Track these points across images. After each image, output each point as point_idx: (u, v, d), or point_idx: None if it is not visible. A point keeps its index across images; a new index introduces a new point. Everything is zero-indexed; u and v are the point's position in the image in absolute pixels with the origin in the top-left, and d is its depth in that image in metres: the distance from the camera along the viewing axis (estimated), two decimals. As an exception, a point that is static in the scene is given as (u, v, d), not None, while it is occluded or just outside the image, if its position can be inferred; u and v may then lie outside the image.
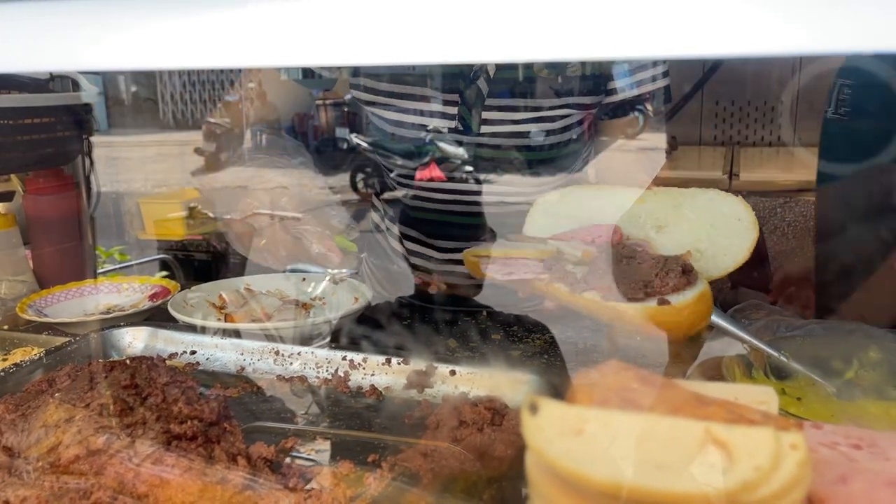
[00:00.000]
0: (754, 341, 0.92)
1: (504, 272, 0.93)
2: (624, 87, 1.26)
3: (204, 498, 0.63)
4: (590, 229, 0.96)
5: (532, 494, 0.47)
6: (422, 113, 1.25)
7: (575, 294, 0.86)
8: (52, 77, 1.55)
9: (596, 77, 1.23)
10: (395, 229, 1.38)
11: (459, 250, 1.32)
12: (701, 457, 0.41)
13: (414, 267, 1.38)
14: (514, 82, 1.22)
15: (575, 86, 1.23)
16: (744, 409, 0.48)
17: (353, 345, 1.07)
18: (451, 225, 1.31)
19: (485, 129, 1.23)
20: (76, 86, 1.61)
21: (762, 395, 0.54)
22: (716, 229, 0.90)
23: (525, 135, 1.24)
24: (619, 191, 1.01)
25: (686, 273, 0.82)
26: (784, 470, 0.40)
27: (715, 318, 0.96)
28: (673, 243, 0.91)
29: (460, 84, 1.22)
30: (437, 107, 1.24)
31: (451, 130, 1.24)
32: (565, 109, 1.24)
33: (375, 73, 1.26)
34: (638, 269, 0.85)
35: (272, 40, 0.48)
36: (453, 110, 1.23)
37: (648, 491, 0.41)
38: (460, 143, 1.25)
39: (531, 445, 0.44)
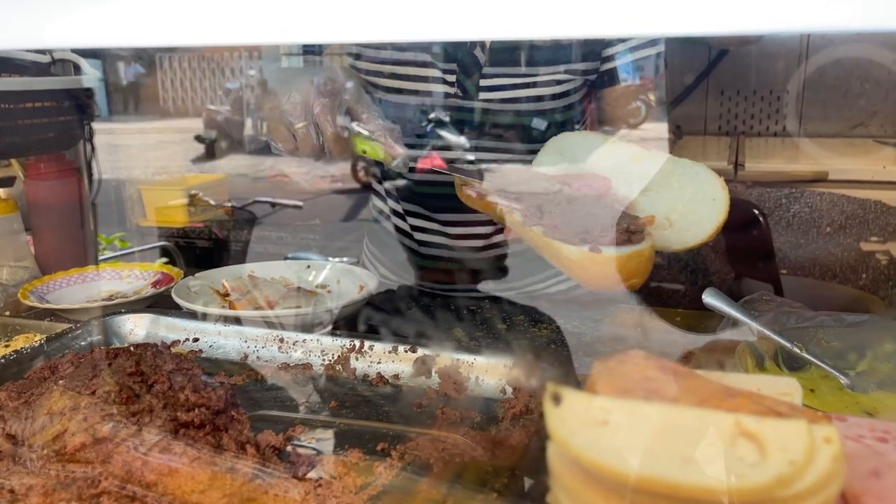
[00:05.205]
0: (766, 331, 0.91)
1: (475, 190, 1.00)
2: (618, 53, 1.27)
3: (213, 487, 0.62)
4: (587, 177, 1.00)
5: (554, 486, 0.46)
6: (422, 79, 1.25)
7: (525, 226, 0.91)
8: (54, 61, 1.53)
9: (590, 43, 1.23)
10: (399, 207, 1.38)
11: (463, 223, 1.32)
12: (731, 450, 0.40)
13: (419, 244, 1.38)
14: (511, 50, 1.22)
15: (570, 52, 1.23)
16: (770, 400, 0.46)
17: (358, 332, 1.06)
18: (452, 197, 1.32)
19: (483, 95, 1.24)
20: (77, 70, 1.59)
21: (786, 387, 0.53)
22: (692, 203, 0.92)
23: (522, 100, 1.25)
24: (628, 146, 1.03)
25: (630, 232, 0.86)
26: (818, 464, 0.39)
27: (726, 308, 0.96)
28: (651, 207, 0.93)
29: (457, 53, 1.22)
30: (436, 73, 1.24)
31: (450, 96, 1.25)
32: (563, 75, 1.24)
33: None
34: (585, 217, 0.90)
35: (266, 16, 0.47)
36: (452, 78, 1.24)
37: (676, 484, 0.40)
38: (460, 121, 1.24)
39: (554, 436, 0.43)
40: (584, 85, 1.27)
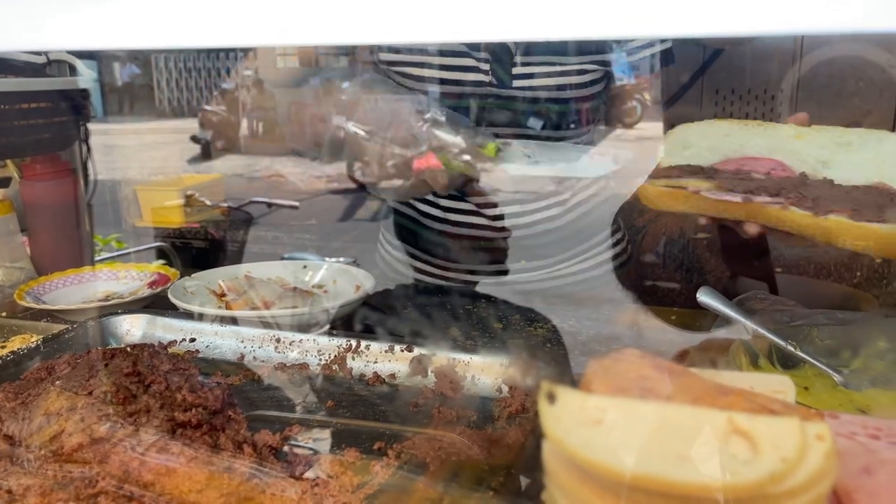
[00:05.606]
0: (760, 330, 0.91)
1: (727, 191, 0.92)
2: (636, 48, 1.30)
3: (210, 486, 0.62)
4: (744, 161, 0.97)
5: (549, 484, 0.46)
6: (457, 69, 1.26)
7: (818, 217, 0.85)
8: (49, 61, 1.53)
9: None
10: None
11: (494, 204, 1.33)
12: (724, 447, 0.40)
13: (454, 224, 1.39)
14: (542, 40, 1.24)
15: (598, 42, 1.26)
16: (763, 398, 0.47)
17: (355, 332, 1.06)
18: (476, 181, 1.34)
19: (516, 83, 1.26)
20: (73, 70, 1.59)
21: (779, 385, 0.53)
22: (891, 167, 0.90)
23: (552, 88, 1.27)
24: (767, 126, 1.00)
25: None
26: (811, 461, 0.39)
27: (721, 306, 0.96)
28: (842, 178, 0.91)
29: (490, 42, 1.24)
30: (471, 62, 1.26)
31: (484, 85, 1.26)
32: (589, 65, 1.27)
33: None
34: (869, 195, 0.85)
35: (264, 18, 0.47)
36: (486, 66, 1.25)
37: (670, 482, 0.40)
38: (495, 109, 1.26)
39: (549, 435, 0.44)
40: (605, 76, 1.29)
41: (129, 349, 0.84)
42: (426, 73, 1.28)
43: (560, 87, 1.26)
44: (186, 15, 0.50)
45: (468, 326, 1.17)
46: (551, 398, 0.44)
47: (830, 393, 0.86)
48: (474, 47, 1.24)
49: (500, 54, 1.24)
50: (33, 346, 0.97)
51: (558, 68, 1.25)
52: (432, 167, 1.30)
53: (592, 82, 1.28)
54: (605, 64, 1.28)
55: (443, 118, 1.06)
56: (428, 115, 1.05)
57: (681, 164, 1.03)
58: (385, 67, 1.32)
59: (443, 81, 1.27)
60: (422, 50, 1.27)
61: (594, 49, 1.26)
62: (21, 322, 1.19)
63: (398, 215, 1.47)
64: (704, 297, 0.96)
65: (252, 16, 0.48)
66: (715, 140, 1.02)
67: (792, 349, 0.89)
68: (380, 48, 1.31)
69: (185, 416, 0.70)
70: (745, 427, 0.41)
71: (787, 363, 0.90)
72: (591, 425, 0.43)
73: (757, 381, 0.54)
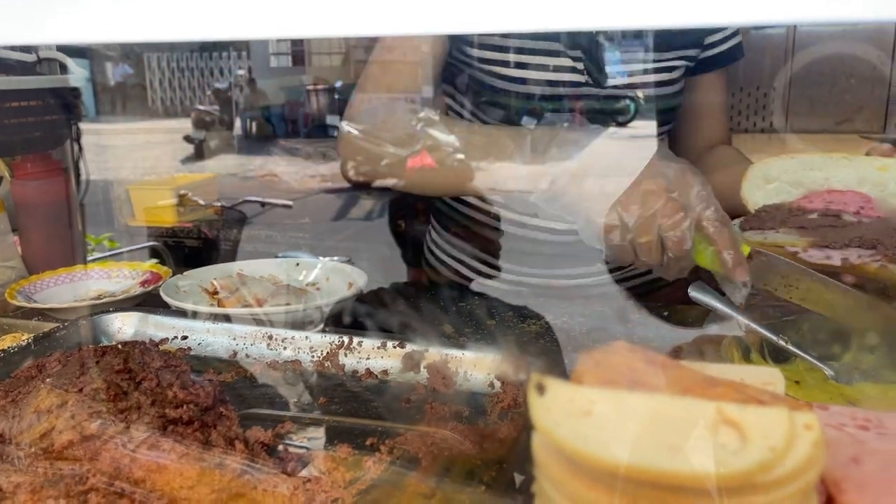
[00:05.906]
0: (752, 324, 0.91)
1: (819, 257, 0.91)
2: (718, 41, 1.31)
3: (201, 483, 0.62)
4: (829, 196, 0.97)
5: (539, 476, 0.46)
6: (552, 68, 1.24)
7: None
8: (39, 59, 1.53)
9: (698, 29, 1.25)
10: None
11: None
12: (713, 437, 0.40)
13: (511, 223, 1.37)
14: (628, 35, 1.23)
15: (682, 37, 1.25)
16: (752, 389, 0.47)
17: (347, 328, 1.06)
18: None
19: (611, 81, 1.24)
20: (64, 69, 1.58)
21: (768, 377, 0.53)
22: None
23: (640, 86, 1.26)
24: (851, 159, 1.00)
25: None
26: (799, 450, 0.39)
27: (713, 301, 0.96)
28: None
29: (581, 39, 1.21)
30: (567, 62, 1.23)
31: (580, 84, 1.24)
32: (677, 61, 1.26)
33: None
34: None
35: (277, 11, 0.47)
36: (580, 65, 1.23)
37: (660, 472, 0.40)
38: (588, 109, 1.25)
39: (538, 427, 0.44)
40: (686, 72, 1.30)
41: (119, 346, 0.84)
42: (519, 73, 1.24)
43: (655, 85, 1.25)
44: (185, 9, 0.50)
45: (461, 323, 1.17)
46: (541, 389, 0.44)
47: (821, 387, 0.86)
48: (569, 46, 1.21)
49: (593, 52, 1.22)
50: (24, 344, 0.97)
51: (648, 65, 1.24)
52: (426, 166, 1.29)
53: (678, 79, 1.28)
54: (690, 59, 1.27)
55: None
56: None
57: (766, 202, 1.03)
58: (476, 64, 1.27)
59: (538, 82, 1.24)
60: (517, 49, 1.23)
61: (680, 44, 1.25)
62: (12, 321, 1.19)
63: (447, 210, 1.44)
64: (696, 292, 0.96)
65: (252, 9, 0.48)
66: (798, 174, 1.01)
67: (783, 343, 0.89)
68: (473, 45, 1.27)
69: (176, 412, 0.70)
70: (733, 417, 0.41)
71: (778, 357, 0.91)
72: (581, 416, 0.43)
73: (747, 373, 0.54)
